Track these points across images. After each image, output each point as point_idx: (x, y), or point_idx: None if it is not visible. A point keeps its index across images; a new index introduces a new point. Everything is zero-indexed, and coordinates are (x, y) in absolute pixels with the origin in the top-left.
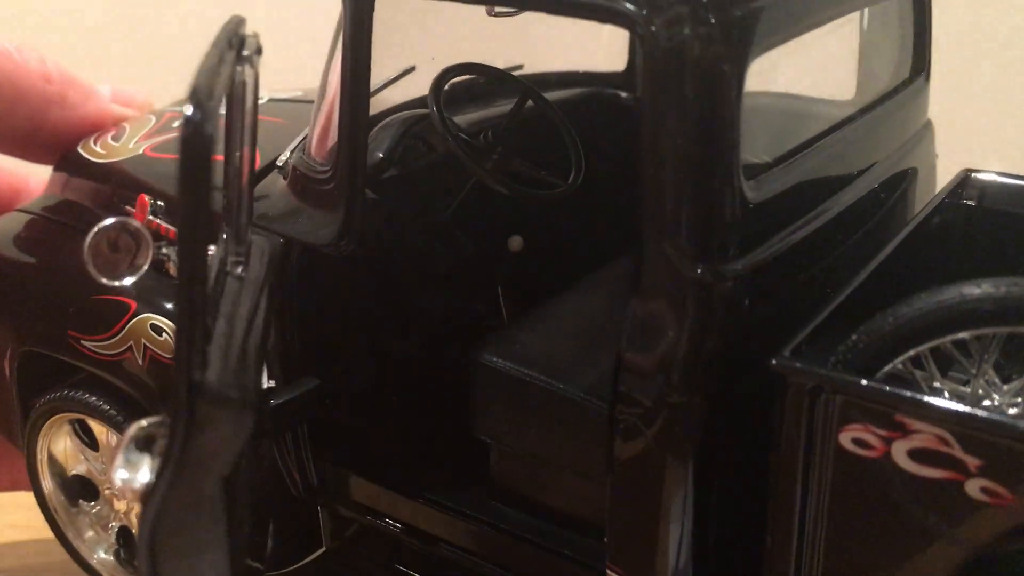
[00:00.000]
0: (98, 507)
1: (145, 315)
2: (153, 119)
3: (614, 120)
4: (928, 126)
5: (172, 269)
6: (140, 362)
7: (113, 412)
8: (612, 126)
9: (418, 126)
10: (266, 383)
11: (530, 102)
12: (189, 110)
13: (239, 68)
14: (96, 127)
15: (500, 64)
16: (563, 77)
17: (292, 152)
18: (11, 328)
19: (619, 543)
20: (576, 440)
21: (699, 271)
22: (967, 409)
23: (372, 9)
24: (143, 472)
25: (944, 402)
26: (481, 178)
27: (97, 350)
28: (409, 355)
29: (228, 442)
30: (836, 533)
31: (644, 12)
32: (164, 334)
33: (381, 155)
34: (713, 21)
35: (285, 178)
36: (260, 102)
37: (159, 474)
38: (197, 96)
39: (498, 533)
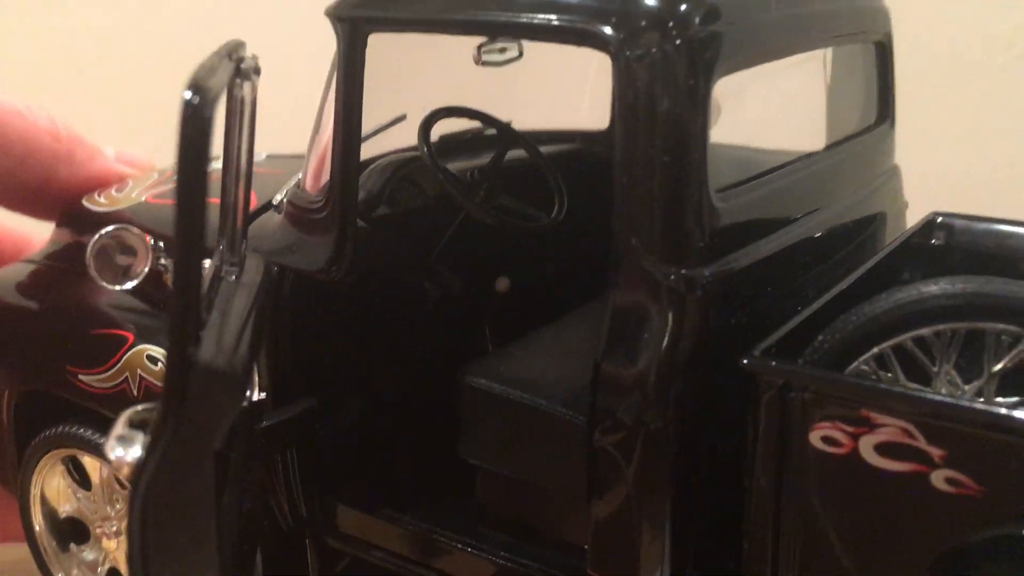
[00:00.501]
0: (88, 551)
1: (141, 347)
2: (156, 175)
3: (596, 173)
4: (895, 171)
5: (169, 280)
6: (135, 392)
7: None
8: (594, 178)
9: (407, 167)
10: (257, 395)
11: (516, 149)
12: (188, 94)
13: (238, 81)
14: (100, 185)
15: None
16: (549, 135)
17: (287, 191)
18: (10, 371)
19: (600, 554)
20: (558, 453)
21: (671, 275)
22: (925, 394)
23: (364, 50)
24: (135, 449)
25: (902, 389)
26: (469, 209)
27: (94, 384)
28: (397, 385)
29: (219, 415)
30: (812, 532)
31: (617, 34)
32: (159, 363)
33: (372, 193)
34: (679, 42)
35: (280, 211)
36: (258, 159)
37: (151, 447)
38: (196, 82)
39: (488, 559)
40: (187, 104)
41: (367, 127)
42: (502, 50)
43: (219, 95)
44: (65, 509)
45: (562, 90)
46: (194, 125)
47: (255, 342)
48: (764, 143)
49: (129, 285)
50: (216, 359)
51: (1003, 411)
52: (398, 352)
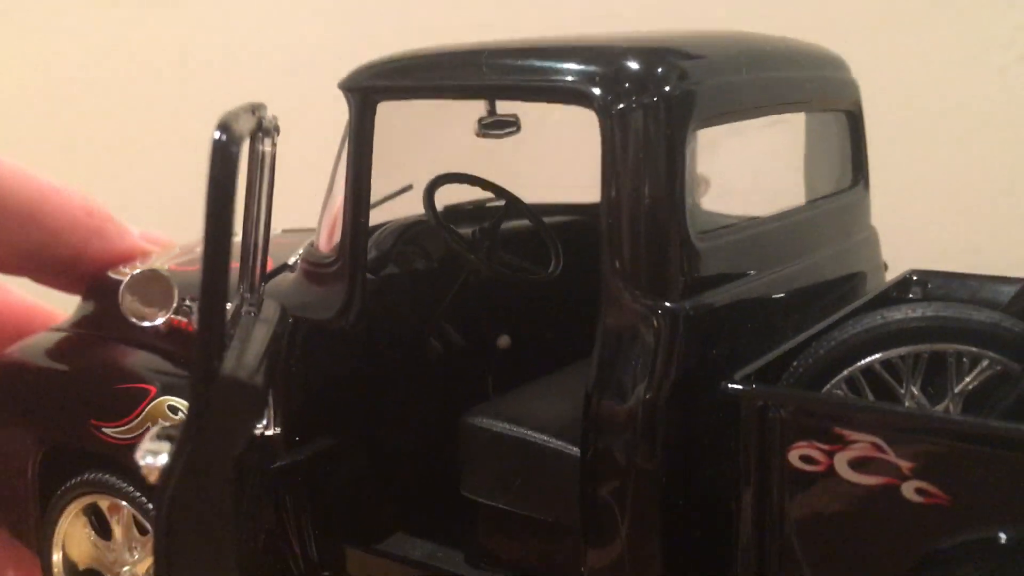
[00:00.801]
0: None
1: (164, 398)
2: (178, 249)
3: (593, 242)
4: (872, 232)
5: (193, 324)
6: None
7: (130, 489)
8: (591, 247)
9: (413, 230)
10: (272, 430)
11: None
12: (217, 134)
13: (259, 135)
14: (128, 260)
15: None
16: (548, 208)
17: (301, 251)
18: (38, 430)
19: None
20: (553, 484)
21: (655, 308)
22: (889, 407)
23: (373, 117)
24: (162, 457)
25: (870, 403)
26: (471, 263)
27: (117, 435)
28: (403, 431)
29: (239, 422)
30: (796, 548)
31: (604, 93)
32: (180, 412)
33: (380, 253)
34: (656, 99)
35: (295, 269)
36: (273, 233)
37: (177, 454)
38: (224, 124)
39: None
40: (216, 143)
41: (376, 195)
42: (501, 125)
43: (244, 138)
44: (85, 560)
45: (560, 159)
46: (222, 162)
47: (271, 368)
48: (747, 202)
49: (158, 321)
50: (237, 373)
51: (959, 418)
52: (404, 400)
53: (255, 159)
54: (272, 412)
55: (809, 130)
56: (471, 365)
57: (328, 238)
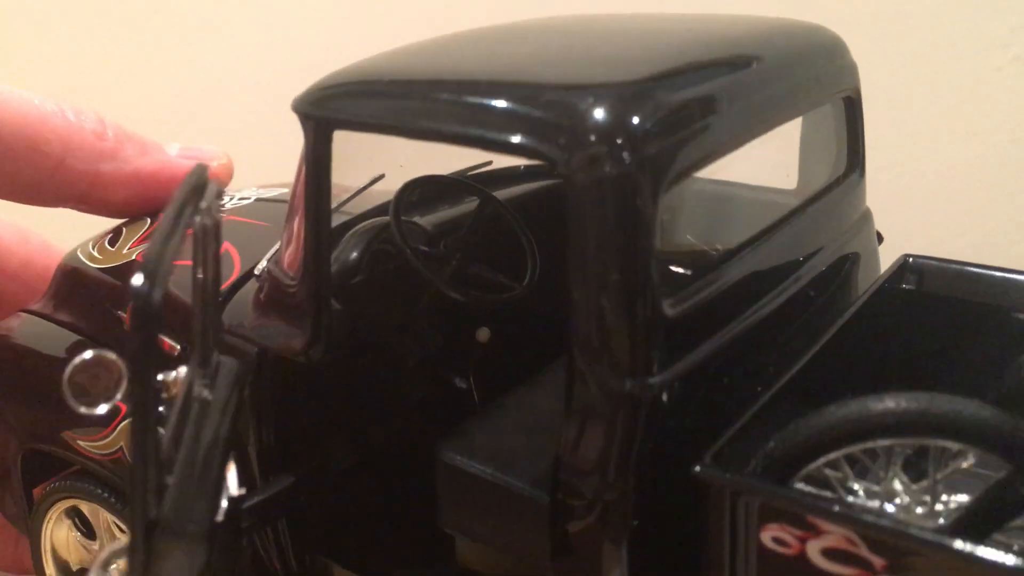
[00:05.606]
0: None
1: None
2: (148, 221)
3: None
4: (867, 215)
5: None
6: None
7: (107, 495)
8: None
9: (385, 233)
10: (236, 490)
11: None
12: (139, 280)
13: (197, 219)
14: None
15: (470, 159)
16: (526, 170)
17: (267, 261)
18: (16, 424)
19: None
20: (525, 528)
21: (625, 386)
22: (855, 514)
23: (330, 146)
24: None
25: (837, 506)
26: (439, 288)
27: (92, 450)
28: (384, 446)
29: (184, 571)
30: None
31: (565, 154)
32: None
33: (350, 262)
34: (628, 161)
35: (261, 286)
36: (247, 202)
37: None
38: (146, 266)
39: None
40: (137, 292)
41: (347, 181)
42: None
43: (170, 269)
44: (75, 560)
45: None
46: (143, 312)
47: (221, 470)
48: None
49: (103, 409)
50: (179, 515)
51: (919, 534)
52: (383, 412)
53: (197, 240)
54: (237, 471)
55: (805, 120)
56: (452, 364)
57: (290, 254)
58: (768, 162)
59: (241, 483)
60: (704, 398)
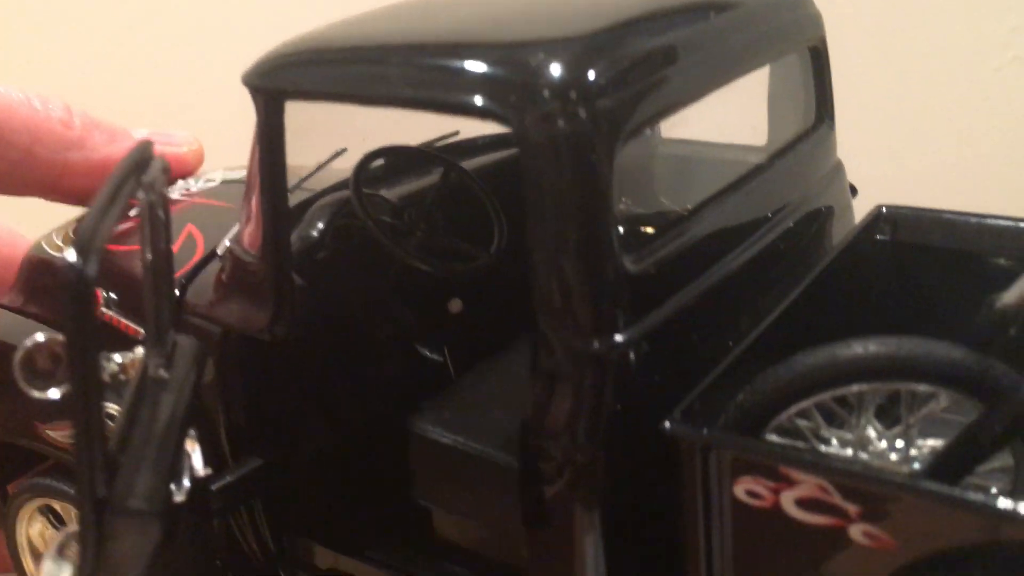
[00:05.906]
0: None
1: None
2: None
3: None
4: (839, 167)
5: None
6: None
7: (73, 493)
8: None
9: (348, 207)
10: (202, 471)
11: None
12: (72, 256)
13: (142, 195)
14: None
15: (435, 132)
16: (493, 139)
17: (229, 240)
18: None
19: None
20: (498, 496)
21: (591, 346)
22: (828, 461)
23: (282, 118)
24: None
25: (809, 455)
26: (404, 259)
27: (60, 439)
28: (359, 423)
29: (138, 550)
30: None
31: (519, 112)
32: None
33: (313, 237)
34: (583, 116)
35: (223, 266)
36: (212, 184)
37: None
38: (80, 242)
39: None
40: (71, 267)
41: (307, 155)
42: None
43: (104, 244)
44: None
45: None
46: (78, 287)
47: (179, 448)
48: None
49: (55, 393)
50: (131, 494)
51: (891, 478)
52: (357, 387)
53: (144, 216)
54: (201, 451)
55: (772, 74)
56: (425, 337)
57: (250, 233)
58: (739, 121)
59: (210, 464)
60: (673, 355)
